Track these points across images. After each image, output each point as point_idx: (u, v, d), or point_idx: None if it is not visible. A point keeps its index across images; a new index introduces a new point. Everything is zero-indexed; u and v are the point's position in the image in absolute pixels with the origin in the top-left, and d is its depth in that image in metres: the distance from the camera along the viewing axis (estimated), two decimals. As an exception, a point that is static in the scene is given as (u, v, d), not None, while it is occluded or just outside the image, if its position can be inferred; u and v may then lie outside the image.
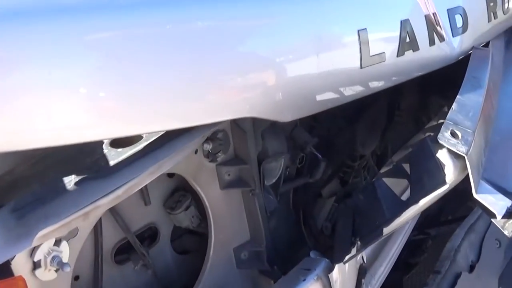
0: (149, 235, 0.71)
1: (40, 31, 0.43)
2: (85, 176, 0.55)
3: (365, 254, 0.78)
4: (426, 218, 1.01)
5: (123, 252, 0.68)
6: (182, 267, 0.74)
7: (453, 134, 0.61)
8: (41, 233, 0.47)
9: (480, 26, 0.93)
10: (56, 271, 0.53)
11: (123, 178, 0.54)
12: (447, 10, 0.85)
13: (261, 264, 0.73)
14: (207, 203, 0.69)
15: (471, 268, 0.87)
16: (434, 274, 0.83)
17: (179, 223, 0.70)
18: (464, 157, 0.59)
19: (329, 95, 0.67)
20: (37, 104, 0.44)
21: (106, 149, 0.59)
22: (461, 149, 0.59)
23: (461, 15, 0.87)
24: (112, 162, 0.57)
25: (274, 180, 0.73)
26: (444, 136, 0.61)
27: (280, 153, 0.73)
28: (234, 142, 0.68)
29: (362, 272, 0.75)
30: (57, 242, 0.53)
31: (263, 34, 0.59)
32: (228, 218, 0.72)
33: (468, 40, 0.90)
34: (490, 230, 0.95)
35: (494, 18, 0.99)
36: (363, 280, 0.75)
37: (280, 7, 0.60)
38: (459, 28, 0.87)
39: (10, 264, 0.49)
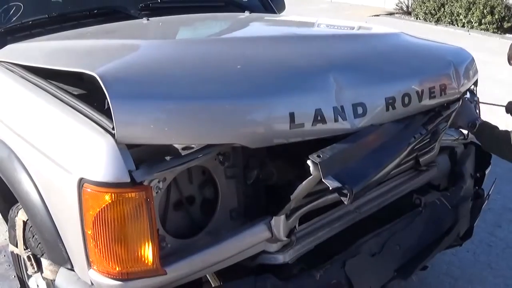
0: None
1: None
2: None
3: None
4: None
5: None
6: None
7: (318, 156, 1.40)
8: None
9: (378, 114, 1.64)
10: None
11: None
12: (352, 104, 1.63)
13: None
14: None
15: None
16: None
17: None
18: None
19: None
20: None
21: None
22: (315, 160, 1.38)
23: (362, 107, 1.64)
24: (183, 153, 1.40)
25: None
26: (313, 156, 1.39)
27: None
28: None
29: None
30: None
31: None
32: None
33: (368, 121, 1.61)
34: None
35: (393, 109, 1.73)
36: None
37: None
38: (360, 114, 1.60)
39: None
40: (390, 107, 1.71)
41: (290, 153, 1.58)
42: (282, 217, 1.52)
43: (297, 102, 1.50)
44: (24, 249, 1.81)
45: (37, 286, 1.94)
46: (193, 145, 1.42)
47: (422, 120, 1.80)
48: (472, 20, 9.95)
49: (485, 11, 9.70)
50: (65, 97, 1.54)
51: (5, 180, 1.70)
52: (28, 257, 1.73)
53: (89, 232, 1.32)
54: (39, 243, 1.68)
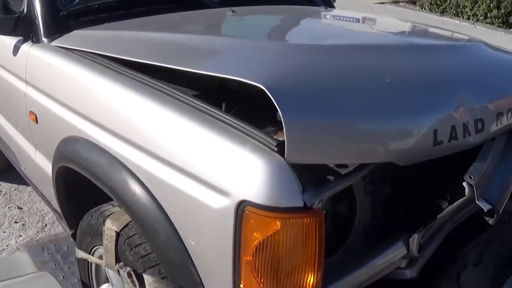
0: None
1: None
2: None
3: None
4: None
5: None
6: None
7: (469, 176, 1.40)
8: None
9: (492, 128, 1.69)
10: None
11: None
12: (474, 120, 1.65)
13: None
14: None
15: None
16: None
17: None
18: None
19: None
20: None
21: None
22: (471, 182, 1.38)
23: (481, 123, 1.66)
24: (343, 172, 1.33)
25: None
26: (466, 177, 1.40)
27: None
28: None
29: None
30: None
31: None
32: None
33: (484, 136, 1.65)
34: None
35: (501, 124, 1.77)
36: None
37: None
38: (479, 129, 1.62)
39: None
40: (499, 121, 1.73)
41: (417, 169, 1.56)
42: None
43: (439, 119, 1.49)
44: (116, 263, 1.67)
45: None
46: (347, 163, 1.36)
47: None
48: (478, 13, 9.76)
49: (491, 5, 9.52)
50: (201, 106, 1.41)
51: (108, 192, 1.55)
52: (129, 274, 1.60)
53: (248, 259, 1.24)
54: (140, 257, 1.56)
